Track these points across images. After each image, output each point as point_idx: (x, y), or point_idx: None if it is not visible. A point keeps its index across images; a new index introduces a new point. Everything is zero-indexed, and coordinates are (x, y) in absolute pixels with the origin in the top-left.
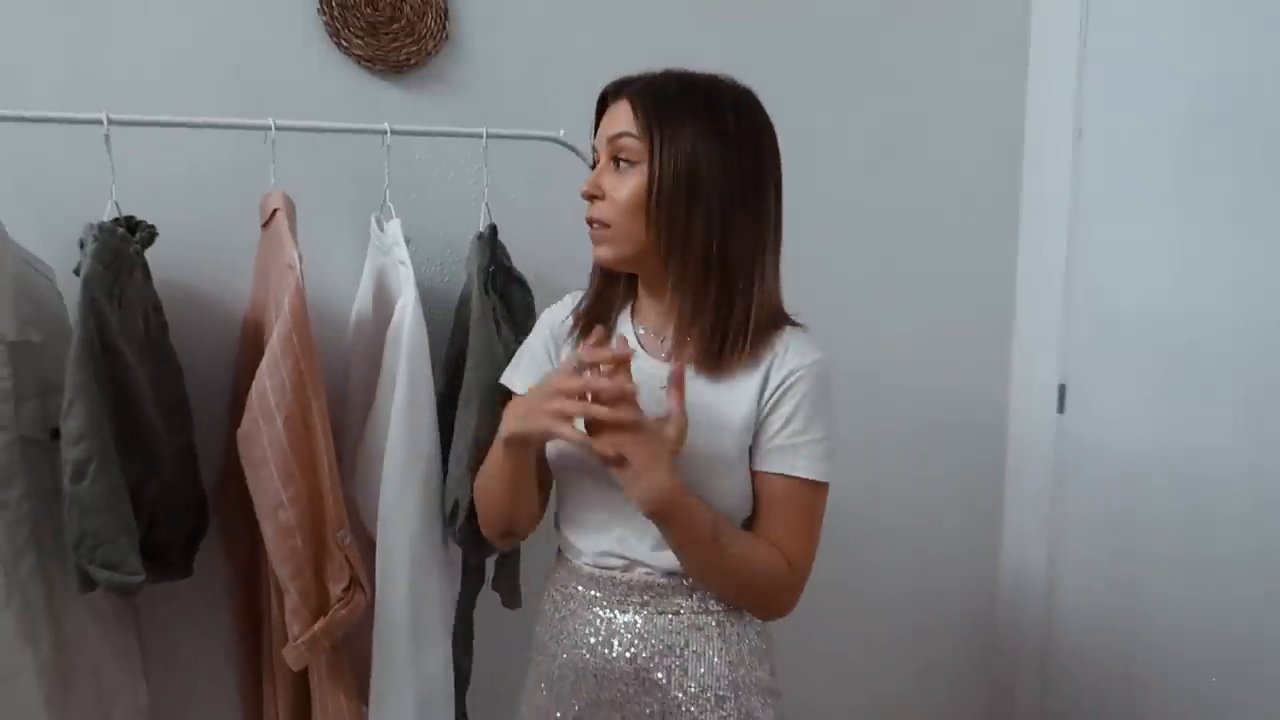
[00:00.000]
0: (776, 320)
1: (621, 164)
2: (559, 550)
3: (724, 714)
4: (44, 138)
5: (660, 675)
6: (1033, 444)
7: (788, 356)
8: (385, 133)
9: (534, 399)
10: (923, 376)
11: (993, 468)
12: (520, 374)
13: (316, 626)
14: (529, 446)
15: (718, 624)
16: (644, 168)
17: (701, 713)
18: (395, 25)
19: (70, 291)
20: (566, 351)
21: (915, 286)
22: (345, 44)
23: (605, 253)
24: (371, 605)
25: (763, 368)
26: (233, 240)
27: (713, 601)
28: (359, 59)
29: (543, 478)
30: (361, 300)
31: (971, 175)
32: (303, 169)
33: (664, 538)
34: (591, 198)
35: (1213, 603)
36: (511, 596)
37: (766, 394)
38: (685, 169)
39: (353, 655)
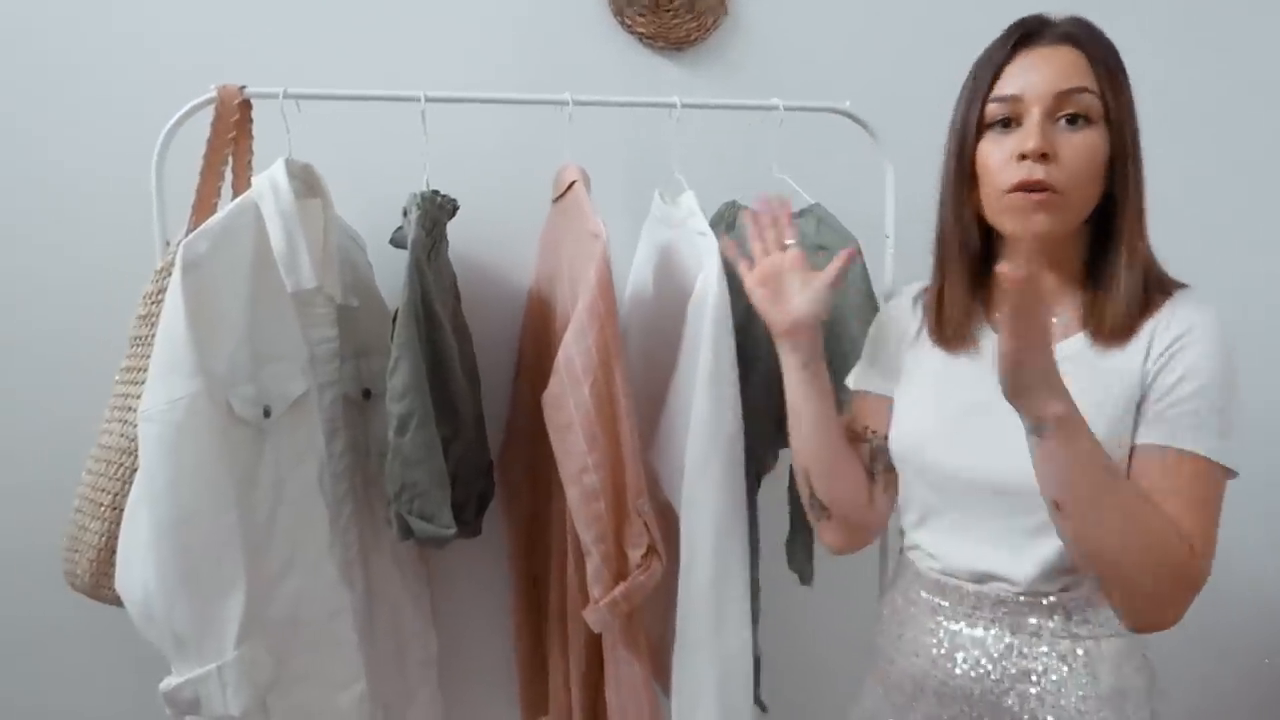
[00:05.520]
0: (1160, 279)
1: (1079, 121)
2: (902, 551)
3: None
4: (356, 118)
5: (1011, 701)
6: None
7: (1175, 318)
8: (675, 106)
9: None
10: None
11: None
12: (876, 373)
13: (617, 590)
14: (799, 335)
15: (1085, 653)
16: (1101, 127)
17: None
18: (676, 3)
19: (378, 262)
20: (917, 351)
21: None
22: (629, 22)
23: (1051, 224)
24: (669, 575)
25: (1147, 331)
26: (518, 217)
27: (1081, 625)
28: (641, 36)
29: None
30: (639, 273)
31: None
32: (580, 144)
33: (1045, 456)
34: (1043, 156)
35: None
36: (806, 574)
37: (1151, 359)
38: (1136, 128)
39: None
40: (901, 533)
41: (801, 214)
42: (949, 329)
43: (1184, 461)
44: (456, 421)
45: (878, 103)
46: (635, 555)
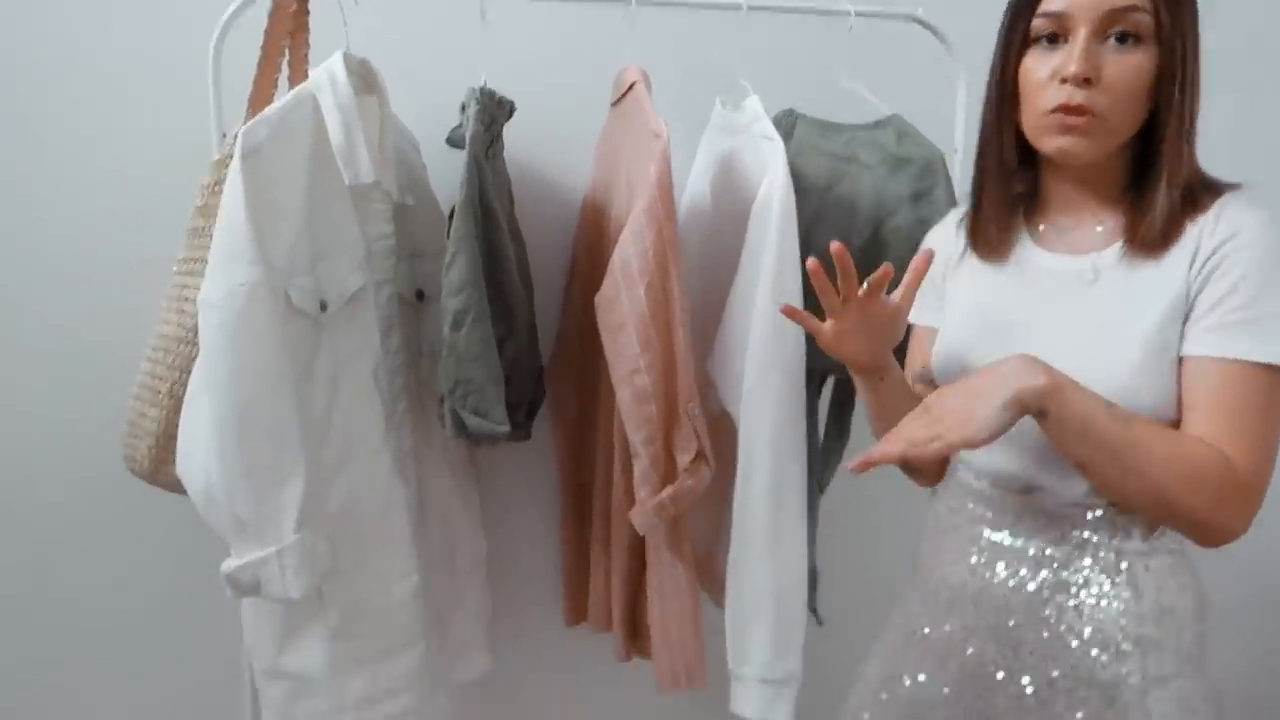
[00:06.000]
0: (1206, 183)
1: (1129, 40)
2: (949, 460)
3: (1125, 670)
4: (413, 16)
5: (1049, 612)
6: None
7: (1222, 220)
8: (741, 9)
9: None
10: None
11: None
12: (924, 305)
13: (664, 493)
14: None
15: (1129, 567)
16: (1152, 46)
17: (1092, 666)
18: None
19: (433, 168)
20: (960, 274)
21: None
22: None
23: (1087, 148)
24: (721, 486)
25: (1191, 236)
26: (575, 121)
27: (1127, 540)
28: None
29: None
30: (696, 185)
31: None
32: (641, 48)
33: (1053, 430)
34: (1086, 81)
35: None
36: (824, 483)
37: (1196, 267)
38: (1194, 46)
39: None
40: None
41: (879, 125)
42: (987, 238)
43: (1243, 372)
44: (511, 321)
45: (951, 10)
46: (684, 460)
